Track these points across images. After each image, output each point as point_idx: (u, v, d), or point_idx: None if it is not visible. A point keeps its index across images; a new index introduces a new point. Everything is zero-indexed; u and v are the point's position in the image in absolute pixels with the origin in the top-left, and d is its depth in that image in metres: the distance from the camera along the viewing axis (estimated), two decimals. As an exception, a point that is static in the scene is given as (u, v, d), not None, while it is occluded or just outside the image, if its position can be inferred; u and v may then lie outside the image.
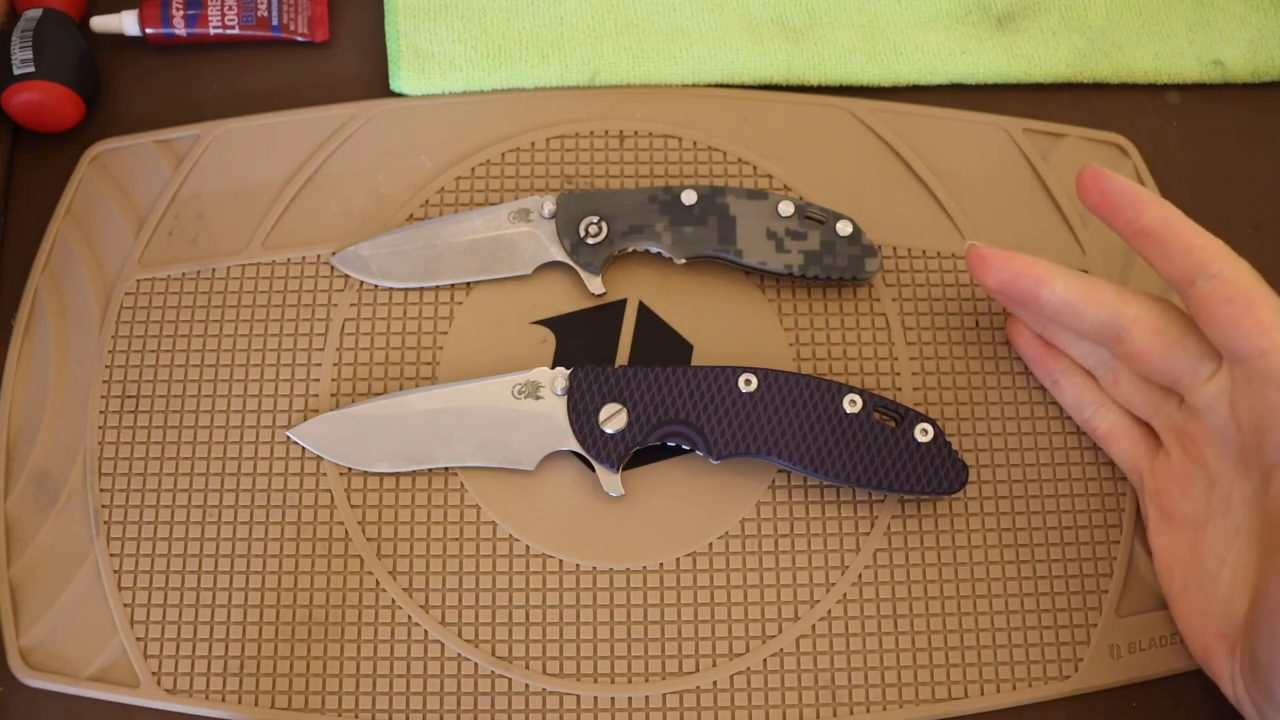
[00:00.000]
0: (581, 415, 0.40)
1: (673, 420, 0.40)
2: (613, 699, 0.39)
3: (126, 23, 0.47)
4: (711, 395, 0.40)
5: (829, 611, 0.40)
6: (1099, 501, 0.42)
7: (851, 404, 0.40)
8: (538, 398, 0.41)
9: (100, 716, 0.39)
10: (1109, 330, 0.38)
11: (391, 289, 0.44)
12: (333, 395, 0.42)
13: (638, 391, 0.40)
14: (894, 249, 0.45)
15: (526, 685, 0.39)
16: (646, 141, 0.46)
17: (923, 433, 0.40)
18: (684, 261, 0.43)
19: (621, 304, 0.44)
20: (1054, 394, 0.42)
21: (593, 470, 0.40)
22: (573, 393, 0.40)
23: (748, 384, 0.40)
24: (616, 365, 0.42)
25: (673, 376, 0.40)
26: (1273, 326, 0.34)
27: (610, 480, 0.40)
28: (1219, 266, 0.35)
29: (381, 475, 0.41)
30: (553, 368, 0.42)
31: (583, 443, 0.40)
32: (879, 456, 0.40)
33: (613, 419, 0.40)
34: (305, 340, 0.43)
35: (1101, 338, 0.39)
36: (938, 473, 0.40)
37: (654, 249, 0.43)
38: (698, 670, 0.39)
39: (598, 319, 0.44)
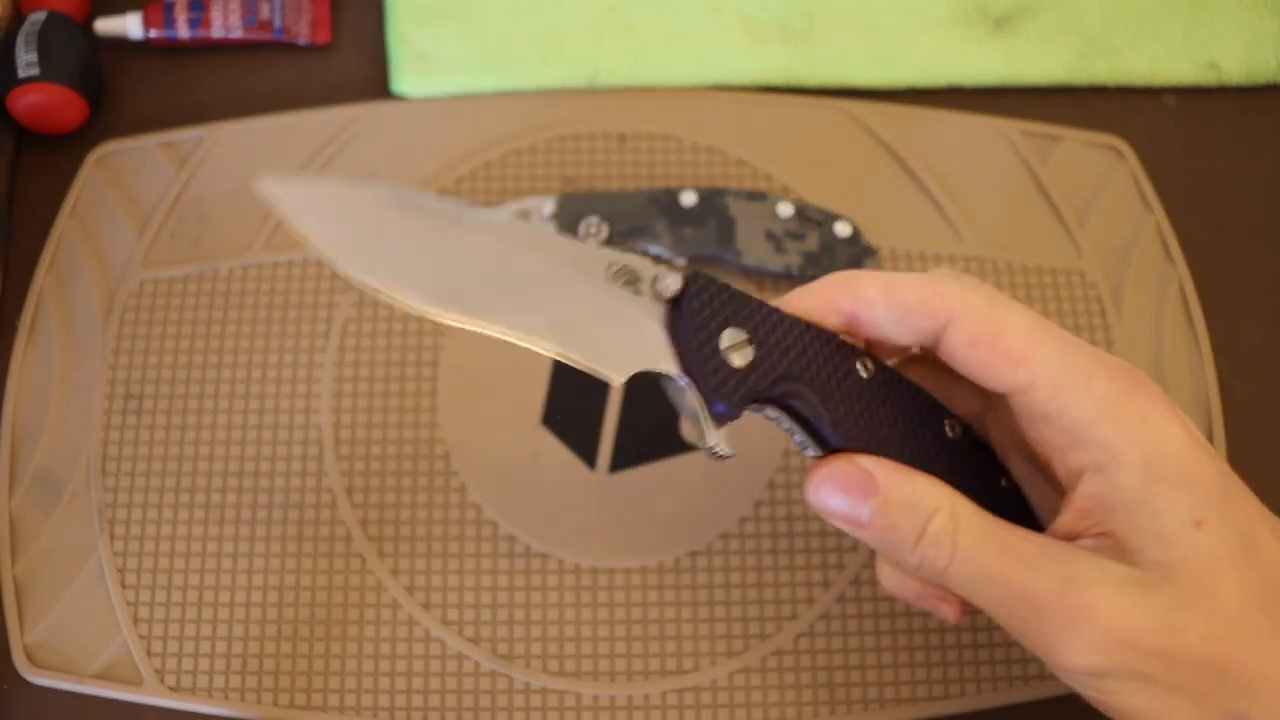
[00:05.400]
0: (692, 336, 0.30)
1: (796, 378, 0.30)
2: (613, 697, 0.39)
3: (130, 25, 0.47)
4: (833, 369, 0.31)
5: (827, 610, 0.40)
6: (1096, 501, 0.42)
7: (951, 429, 0.32)
8: (637, 292, 0.30)
9: (104, 714, 0.39)
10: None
11: (393, 290, 0.44)
12: (334, 395, 0.43)
13: (763, 328, 0.30)
14: (893, 250, 0.45)
15: (527, 683, 0.39)
16: (646, 142, 0.46)
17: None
18: (684, 262, 0.43)
19: (621, 305, 0.44)
20: None
21: (592, 468, 0.40)
22: (685, 304, 0.30)
23: (865, 369, 0.31)
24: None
25: (797, 327, 0.31)
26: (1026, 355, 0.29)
27: (715, 435, 0.30)
28: (949, 308, 0.30)
29: (385, 459, 0.41)
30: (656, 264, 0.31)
31: (690, 371, 0.30)
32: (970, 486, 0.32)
33: (737, 349, 0.30)
34: (307, 340, 0.43)
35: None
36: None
37: (654, 250, 0.44)
38: (697, 669, 0.40)
39: (598, 320, 0.44)
